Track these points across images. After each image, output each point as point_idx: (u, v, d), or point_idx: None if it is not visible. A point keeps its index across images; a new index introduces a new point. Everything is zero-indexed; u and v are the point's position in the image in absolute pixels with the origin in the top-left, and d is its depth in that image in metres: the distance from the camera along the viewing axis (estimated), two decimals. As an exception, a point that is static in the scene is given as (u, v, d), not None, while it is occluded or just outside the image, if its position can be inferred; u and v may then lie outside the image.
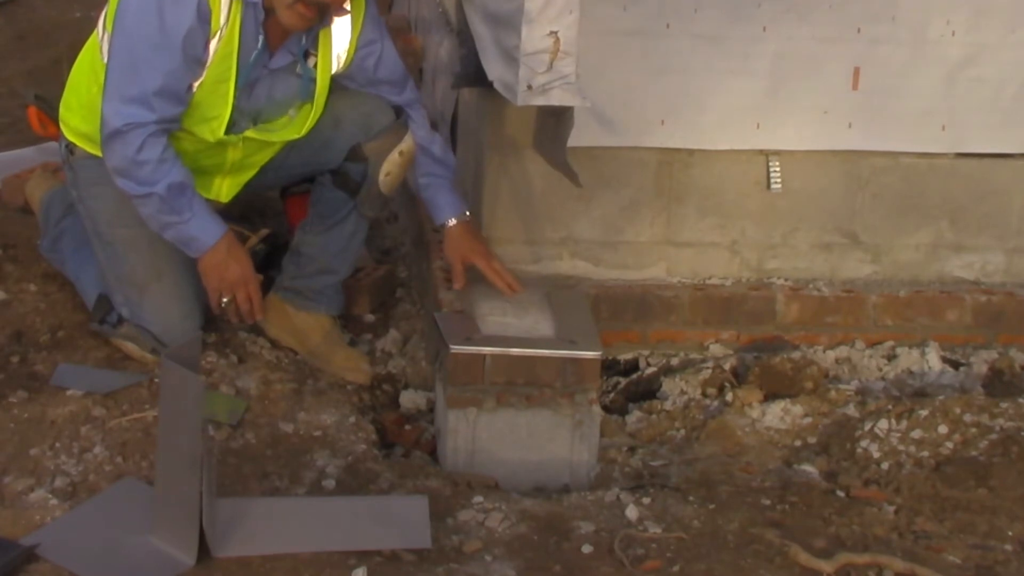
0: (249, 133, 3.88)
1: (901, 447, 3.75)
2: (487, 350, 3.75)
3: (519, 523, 3.40)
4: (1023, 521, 3.47)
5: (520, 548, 3.30)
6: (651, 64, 4.04)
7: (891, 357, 4.25)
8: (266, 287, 4.08)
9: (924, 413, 3.82)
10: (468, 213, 4.09)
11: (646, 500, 3.52)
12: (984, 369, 4.23)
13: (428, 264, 4.26)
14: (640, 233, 4.23)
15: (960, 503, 3.54)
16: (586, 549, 3.29)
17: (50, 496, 3.37)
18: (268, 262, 4.29)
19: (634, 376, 4.22)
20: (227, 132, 3.84)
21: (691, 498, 3.54)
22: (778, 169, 4.20)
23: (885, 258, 4.35)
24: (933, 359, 4.23)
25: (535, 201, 4.17)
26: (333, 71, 3.93)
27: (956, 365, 4.26)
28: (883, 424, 3.81)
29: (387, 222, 4.98)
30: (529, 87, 3.59)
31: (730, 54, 4.06)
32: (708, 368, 4.13)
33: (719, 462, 3.75)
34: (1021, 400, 3.89)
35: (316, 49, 3.88)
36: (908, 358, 4.23)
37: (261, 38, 3.76)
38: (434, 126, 4.21)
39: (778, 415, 3.96)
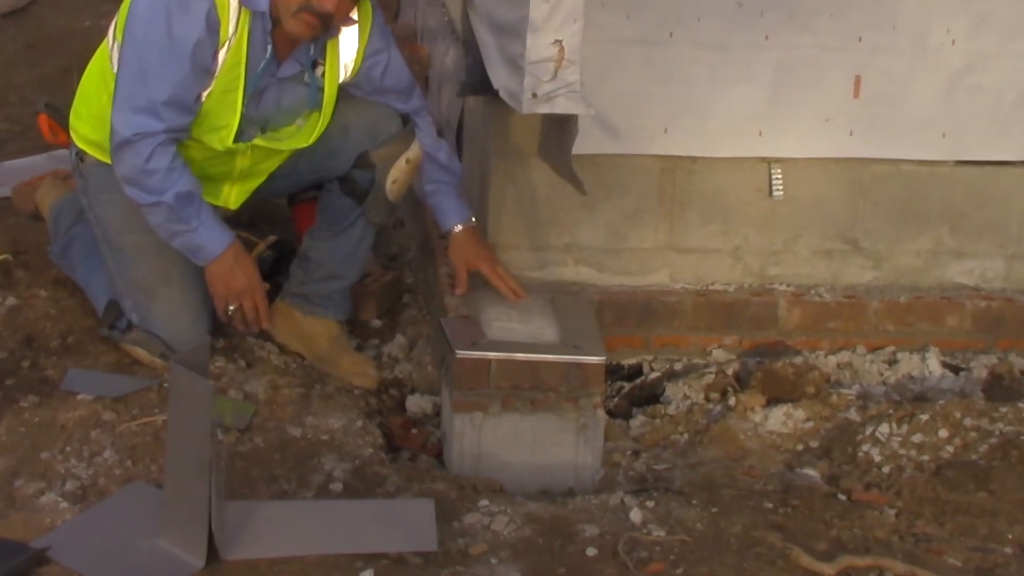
0: (257, 141, 3.88)
1: (902, 451, 3.75)
2: (492, 355, 3.75)
3: (524, 526, 3.40)
4: (1023, 524, 3.46)
5: (525, 551, 3.30)
6: (654, 72, 4.04)
7: (892, 362, 4.24)
8: (273, 293, 4.08)
9: (925, 417, 3.82)
10: (474, 219, 4.09)
11: (650, 503, 3.52)
12: (984, 374, 4.21)
13: (434, 270, 4.26)
14: (644, 239, 4.23)
15: (960, 506, 3.53)
16: (590, 552, 3.29)
17: (60, 499, 3.37)
18: (276, 268, 4.29)
19: (638, 381, 4.21)
20: (235, 140, 3.84)
21: (694, 501, 3.54)
22: (780, 176, 4.20)
23: (886, 264, 4.34)
24: (933, 364, 4.22)
25: (540, 208, 4.18)
26: (341, 80, 3.93)
27: (956, 370, 4.25)
28: (884, 428, 3.81)
29: (394, 228, 4.97)
30: (534, 95, 3.60)
31: (732, 62, 4.06)
32: (711, 373, 4.12)
33: (722, 466, 3.75)
34: (1021, 404, 3.90)
35: (324, 58, 3.87)
36: (909, 363, 4.22)
37: (269, 48, 3.77)
38: (440, 133, 4.21)
39: (780, 419, 3.96)
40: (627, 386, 4.20)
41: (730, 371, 4.14)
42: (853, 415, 3.94)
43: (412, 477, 3.64)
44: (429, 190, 4.09)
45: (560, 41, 3.57)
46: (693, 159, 4.18)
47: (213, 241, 3.79)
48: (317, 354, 4.14)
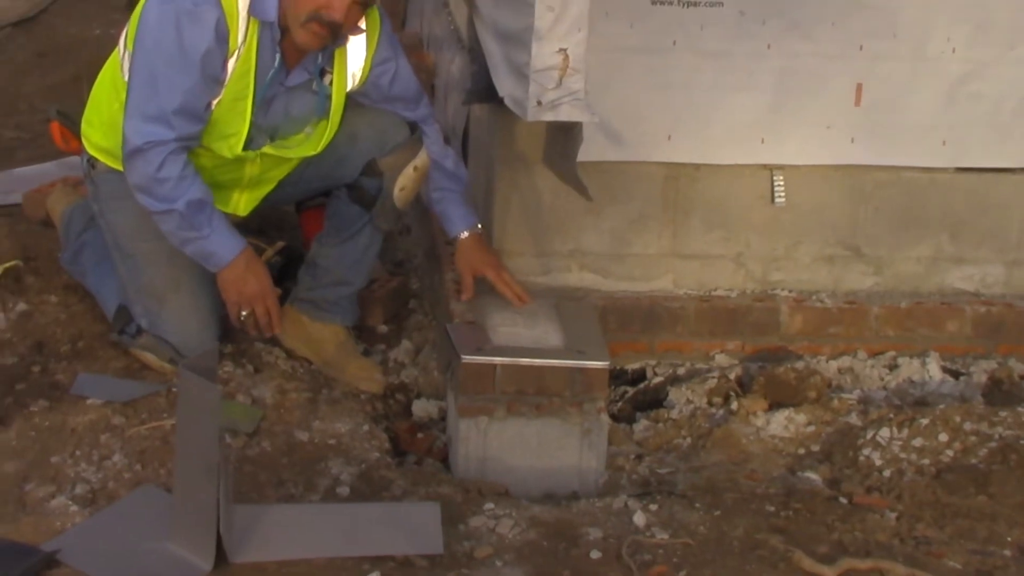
0: (266, 149, 3.89)
1: (902, 455, 3.76)
2: (498, 360, 3.76)
3: (529, 529, 3.41)
4: (1022, 527, 3.47)
5: (530, 554, 3.30)
6: (657, 80, 4.05)
7: (893, 367, 4.24)
8: (282, 299, 4.06)
9: (925, 422, 3.83)
10: (480, 226, 4.09)
11: (653, 507, 3.52)
12: (984, 379, 4.22)
13: (440, 276, 4.26)
14: (647, 245, 4.24)
15: (960, 510, 3.54)
16: (594, 555, 3.30)
17: (70, 503, 3.37)
18: (284, 274, 4.29)
19: (641, 386, 4.21)
20: (245, 148, 3.85)
21: (697, 505, 3.54)
22: (782, 183, 4.20)
23: (887, 270, 4.35)
24: (934, 369, 4.22)
25: (544, 214, 4.19)
26: (348, 88, 3.94)
27: (956, 375, 4.25)
28: (885, 432, 3.82)
29: (400, 235, 4.97)
30: (539, 103, 3.62)
31: (735, 70, 4.07)
32: (714, 378, 4.13)
33: (724, 469, 3.76)
34: (1020, 409, 3.91)
35: (332, 67, 3.88)
36: (909, 368, 4.23)
37: (278, 57, 3.78)
38: (447, 141, 4.22)
39: (782, 424, 3.96)
40: (631, 391, 4.21)
41: (733, 376, 4.15)
42: (854, 419, 3.95)
43: (418, 481, 3.65)
44: (436, 197, 4.10)
45: (565, 50, 3.58)
46: (696, 166, 4.19)
47: (225, 247, 3.80)
48: (324, 359, 4.15)
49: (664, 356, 4.26)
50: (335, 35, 3.73)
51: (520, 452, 3.79)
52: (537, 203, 4.18)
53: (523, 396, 3.77)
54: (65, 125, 4.43)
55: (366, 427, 3.89)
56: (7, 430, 3.68)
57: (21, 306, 4.27)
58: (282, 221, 4.72)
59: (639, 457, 3.91)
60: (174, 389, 3.77)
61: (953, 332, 4.32)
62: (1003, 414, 3.88)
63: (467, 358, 3.76)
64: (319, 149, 3.96)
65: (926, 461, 3.73)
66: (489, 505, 3.53)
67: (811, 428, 3.95)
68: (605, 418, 3.83)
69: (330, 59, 3.88)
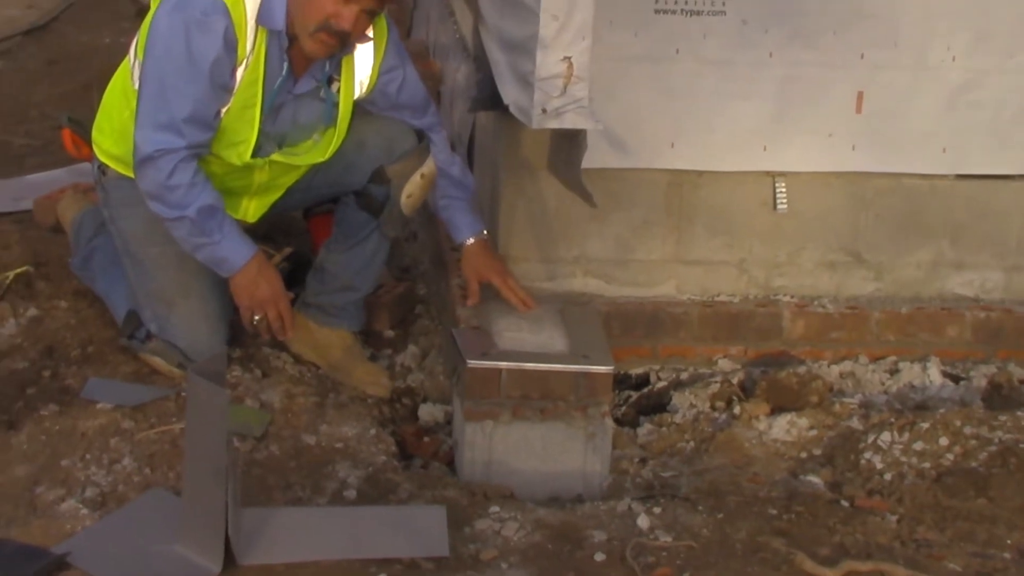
0: (275, 156, 3.90)
1: (903, 459, 3.76)
2: (503, 365, 3.77)
3: (534, 532, 3.42)
4: (1021, 530, 3.48)
5: (535, 556, 3.31)
6: (661, 88, 4.06)
7: (893, 371, 4.26)
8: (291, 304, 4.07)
9: (925, 426, 3.83)
10: (485, 232, 4.10)
11: (657, 510, 3.53)
12: (983, 383, 4.22)
13: (446, 282, 4.27)
14: (651, 252, 4.25)
15: (960, 513, 3.55)
16: (599, 557, 3.31)
17: (81, 506, 3.38)
18: (291, 280, 4.26)
19: (645, 390, 4.22)
20: (253, 156, 3.85)
21: (700, 508, 3.55)
22: (784, 190, 4.21)
23: (888, 276, 4.36)
24: (934, 373, 4.23)
25: (549, 221, 4.19)
26: (356, 96, 3.95)
27: (956, 379, 4.26)
28: (886, 436, 3.82)
29: (407, 241, 4.98)
30: (544, 111, 3.63)
31: (737, 78, 4.08)
32: (717, 382, 4.13)
33: (727, 473, 3.76)
34: (1019, 413, 3.90)
35: (339, 75, 3.89)
36: (910, 372, 4.24)
37: (286, 65, 3.78)
38: (453, 148, 4.21)
39: (784, 428, 3.97)
40: (634, 395, 4.22)
41: (735, 380, 4.15)
42: (855, 423, 3.95)
43: (424, 484, 3.66)
44: (442, 204, 4.10)
45: (569, 58, 3.59)
46: (699, 173, 4.20)
47: (236, 253, 3.81)
48: (331, 364, 4.16)
49: (668, 361, 4.27)
50: (343, 44, 3.74)
51: (525, 456, 3.80)
52: (542, 209, 4.19)
53: (528, 400, 3.78)
54: (76, 132, 4.44)
55: (373, 431, 3.89)
56: (18, 434, 3.69)
57: (32, 311, 4.28)
58: (289, 227, 4.72)
59: (643, 461, 3.92)
60: (183, 393, 3.77)
61: (953, 337, 4.32)
62: (1003, 418, 3.87)
63: (473, 363, 3.77)
64: (327, 156, 3.97)
65: (927, 465, 3.73)
66: (495, 508, 3.54)
67: (813, 432, 3.96)
68: (609, 422, 3.84)
69: (338, 67, 3.89)
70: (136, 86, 3.81)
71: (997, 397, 4.18)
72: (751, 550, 3.35)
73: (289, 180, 4.05)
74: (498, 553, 3.32)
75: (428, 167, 4.03)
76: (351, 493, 3.57)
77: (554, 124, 3.67)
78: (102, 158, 4.02)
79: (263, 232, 4.43)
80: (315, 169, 4.02)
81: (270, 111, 3.83)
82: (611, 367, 3.83)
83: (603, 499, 3.71)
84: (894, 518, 3.56)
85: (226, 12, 3.66)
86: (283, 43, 3.77)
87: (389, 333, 4.49)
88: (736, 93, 4.10)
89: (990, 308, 4.36)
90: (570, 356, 3.84)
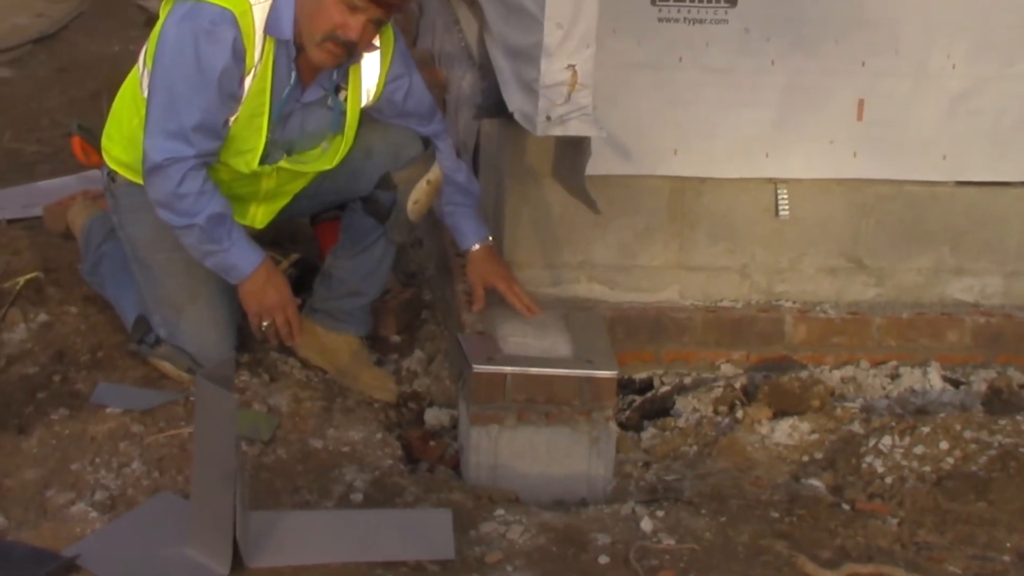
0: (283, 164, 3.91)
1: (904, 462, 3.77)
2: (508, 369, 3.77)
3: (539, 535, 3.42)
4: (1021, 533, 3.49)
5: (540, 559, 3.32)
6: (664, 96, 4.07)
7: (894, 376, 4.26)
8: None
9: (926, 430, 3.83)
10: (491, 238, 4.11)
11: (660, 513, 3.54)
12: (983, 388, 4.23)
13: (452, 287, 4.28)
14: (654, 257, 4.26)
15: (960, 516, 3.56)
16: (603, 560, 3.32)
17: (90, 509, 3.39)
18: (299, 285, 4.27)
19: (648, 394, 4.22)
20: (261, 163, 3.86)
21: (703, 511, 3.56)
22: (786, 197, 4.21)
23: (888, 282, 4.36)
24: (934, 378, 4.23)
25: (554, 227, 4.20)
26: (363, 104, 3.96)
27: (956, 384, 4.26)
28: (887, 440, 3.83)
29: (413, 247, 4.98)
30: (548, 118, 3.64)
31: (740, 86, 4.08)
32: (719, 387, 4.14)
33: (730, 477, 3.77)
34: (1019, 417, 3.91)
35: (347, 83, 3.90)
36: (911, 377, 4.24)
37: (293, 74, 3.79)
38: (459, 155, 4.22)
39: (786, 432, 3.97)
40: (638, 399, 4.22)
41: (738, 385, 4.16)
42: (857, 427, 3.95)
43: (430, 488, 3.66)
44: (448, 210, 4.11)
45: (573, 66, 3.60)
46: (702, 180, 4.21)
47: (245, 260, 3.82)
48: (338, 368, 4.17)
49: (671, 366, 4.28)
50: (350, 54, 3.76)
51: (530, 460, 3.81)
52: (546, 216, 4.20)
53: (533, 405, 3.78)
54: (86, 139, 4.44)
55: (379, 435, 3.90)
56: (28, 438, 3.70)
57: (42, 317, 4.29)
58: (296, 233, 4.73)
59: (646, 464, 3.93)
60: (192, 398, 3.77)
61: (953, 342, 4.33)
62: (1002, 422, 3.88)
63: (478, 367, 3.78)
64: (334, 163, 3.98)
65: (927, 468, 3.74)
66: (500, 511, 3.54)
67: (815, 436, 3.97)
68: (613, 426, 3.85)
69: (345, 76, 3.90)
70: (145, 94, 3.82)
71: (997, 401, 4.19)
72: (753, 553, 3.36)
73: (296, 187, 4.07)
74: (503, 556, 3.33)
75: (434, 173, 4.05)
76: (358, 496, 3.57)
77: (558, 131, 3.68)
78: (111, 165, 4.04)
79: (270, 238, 4.43)
80: (322, 176, 4.04)
81: (278, 119, 3.85)
82: (615, 372, 3.84)
83: (607, 502, 3.72)
84: (895, 521, 3.57)
85: (234, 22, 3.67)
86: (291, 52, 3.78)
87: (395, 338, 4.50)
88: (738, 101, 4.11)
89: (990, 313, 4.36)
90: (574, 361, 3.84)
